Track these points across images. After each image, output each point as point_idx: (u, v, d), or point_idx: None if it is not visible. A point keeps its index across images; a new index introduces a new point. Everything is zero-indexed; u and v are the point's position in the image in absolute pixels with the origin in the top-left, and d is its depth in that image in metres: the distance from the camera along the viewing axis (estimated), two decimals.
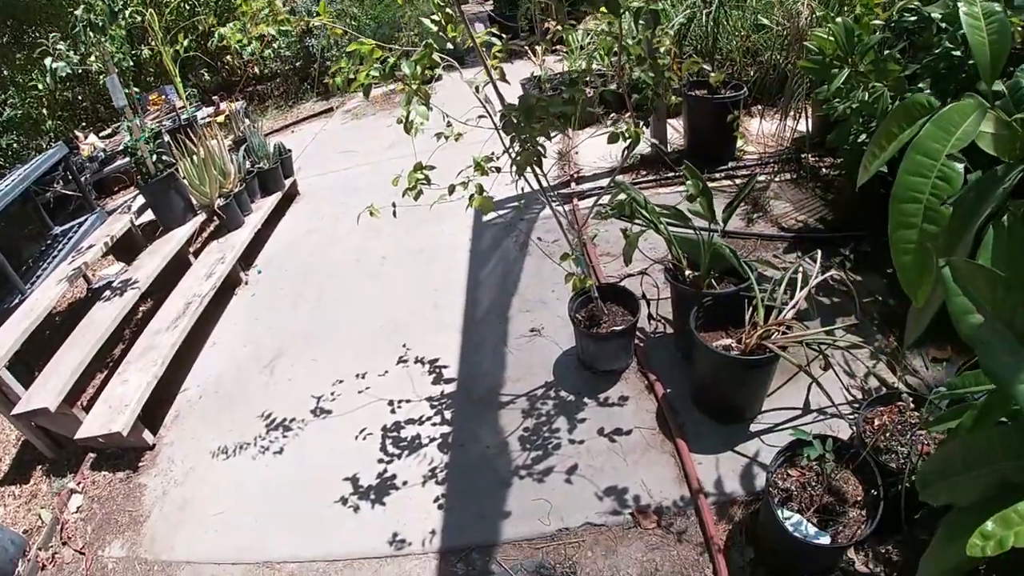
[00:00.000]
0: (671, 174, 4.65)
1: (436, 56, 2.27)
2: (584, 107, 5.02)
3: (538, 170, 2.46)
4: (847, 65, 2.96)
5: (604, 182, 3.80)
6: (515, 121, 2.16)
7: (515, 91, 3.17)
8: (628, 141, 2.39)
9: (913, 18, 3.15)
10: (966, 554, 1.29)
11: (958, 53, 2.79)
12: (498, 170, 2.42)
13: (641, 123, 2.45)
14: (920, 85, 2.94)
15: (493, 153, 2.47)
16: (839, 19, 3.04)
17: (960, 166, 1.13)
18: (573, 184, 4.87)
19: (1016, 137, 1.20)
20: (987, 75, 1.25)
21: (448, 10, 2.21)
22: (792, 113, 4.48)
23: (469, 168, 2.48)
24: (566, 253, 2.57)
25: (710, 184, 4.33)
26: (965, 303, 1.08)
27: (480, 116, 2.46)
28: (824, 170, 4.40)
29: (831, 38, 2.99)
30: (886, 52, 2.99)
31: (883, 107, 2.87)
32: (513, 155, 2.28)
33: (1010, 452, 1.18)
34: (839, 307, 3.24)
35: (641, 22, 2.28)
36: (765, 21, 4.74)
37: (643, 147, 5.00)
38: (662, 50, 2.60)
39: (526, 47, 6.03)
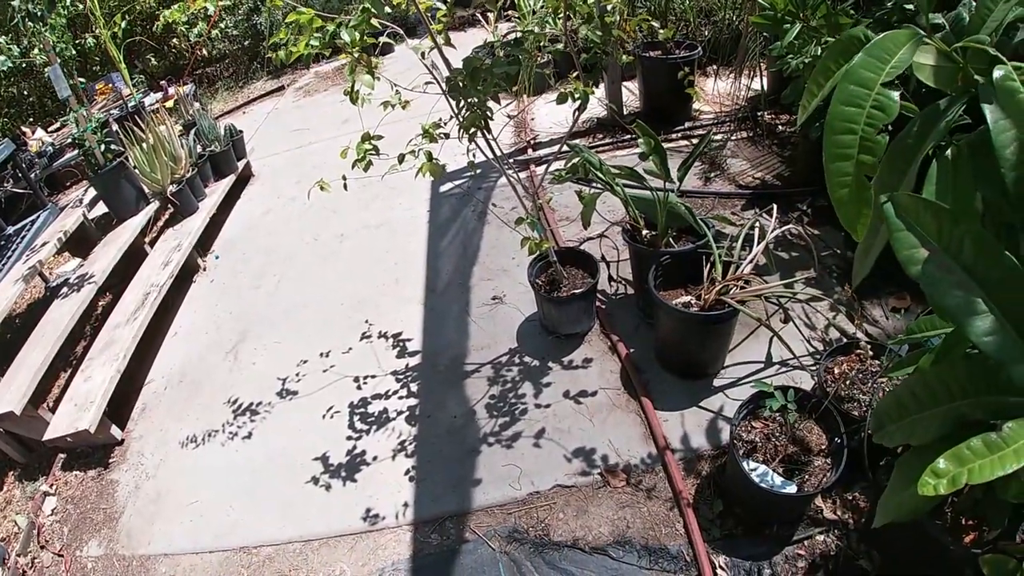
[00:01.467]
0: (627, 136, 4.64)
1: (380, 23, 2.22)
2: (533, 70, 5.03)
3: (488, 135, 2.43)
4: (799, 20, 2.94)
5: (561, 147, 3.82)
6: (461, 85, 2.12)
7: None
8: (578, 101, 2.37)
9: None
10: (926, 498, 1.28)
11: (910, 6, 2.79)
12: (447, 136, 2.39)
13: (592, 84, 2.41)
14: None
15: (441, 119, 2.44)
16: None
17: (896, 94, 1.10)
18: (530, 151, 4.84)
19: (957, 68, 1.18)
20: (923, 5, 1.23)
21: None
22: (747, 72, 4.49)
23: (420, 138, 2.45)
24: (521, 217, 2.55)
25: (667, 145, 4.36)
26: (909, 238, 1.06)
27: (428, 83, 2.42)
28: (780, 127, 4.43)
29: None
30: (838, 6, 2.99)
31: None
32: (461, 119, 2.24)
33: (967, 389, 1.16)
34: (798, 262, 3.27)
35: None
36: None
37: (599, 111, 5.00)
38: (610, 7, 2.56)
39: (478, 15, 5.98)
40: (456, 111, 2.30)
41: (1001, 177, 1.02)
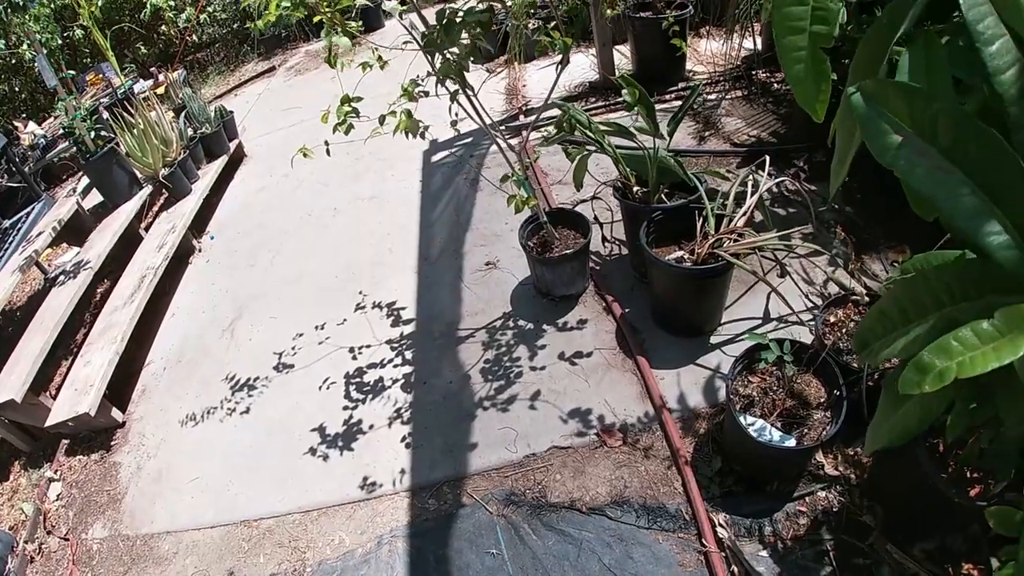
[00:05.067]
0: (620, 100, 4.56)
1: None
2: (522, 36, 4.96)
3: (469, 91, 2.39)
4: None
5: (553, 112, 3.76)
6: (436, 39, 2.07)
7: None
8: (560, 53, 2.32)
9: None
10: (913, 413, 1.20)
11: None
12: (426, 94, 2.35)
13: (573, 35, 2.36)
14: None
15: (419, 76, 2.40)
16: None
17: None
18: (522, 117, 4.79)
19: None
20: None
21: None
22: (739, 31, 4.42)
23: (401, 98, 2.41)
24: (506, 175, 2.51)
25: (661, 106, 4.31)
26: (880, 125, 0.98)
27: (406, 42, 2.37)
28: (776, 85, 4.37)
29: None
30: None
31: None
32: (437, 73, 2.20)
33: (956, 293, 1.06)
34: (795, 218, 3.22)
35: None
36: None
37: (591, 75, 4.95)
38: None
39: None
40: (433, 66, 2.25)
41: (978, 54, 0.95)
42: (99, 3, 6.25)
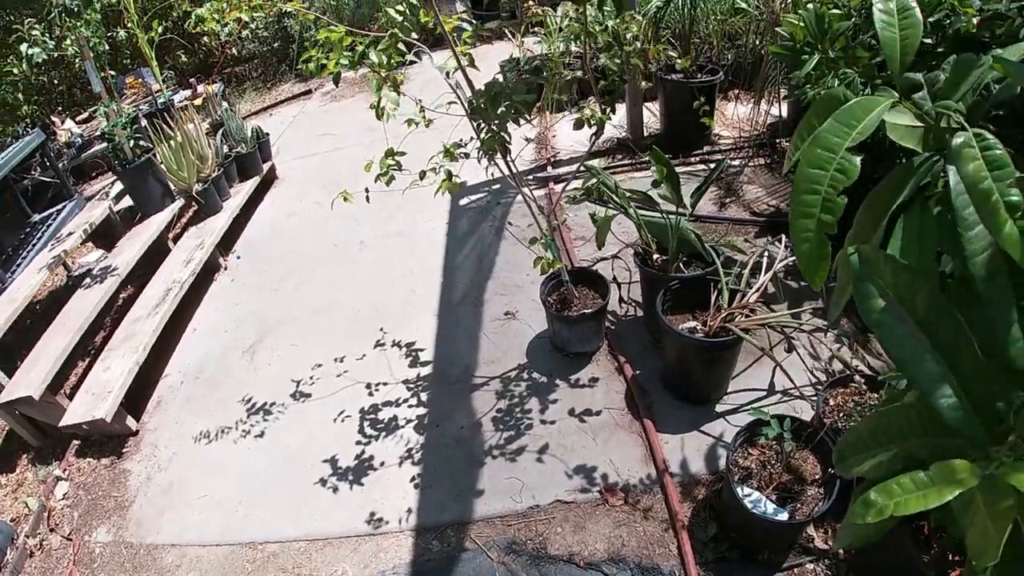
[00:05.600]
0: (646, 158, 4.68)
1: (405, 44, 2.31)
2: (557, 91, 5.10)
3: (508, 157, 2.51)
4: (817, 51, 2.98)
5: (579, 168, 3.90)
6: (482, 107, 2.20)
7: (491, 74, 3.18)
8: (595, 127, 2.44)
9: None
10: (869, 526, 1.35)
11: (929, 40, 2.82)
12: (467, 156, 2.47)
13: (608, 109, 2.49)
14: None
15: (462, 139, 2.52)
16: (809, 5, 3.06)
17: (858, 159, 1.17)
18: (549, 168, 4.89)
19: (930, 129, 1.25)
20: (896, 68, 1.30)
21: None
22: (767, 97, 4.53)
23: (441, 156, 2.53)
24: (535, 237, 2.62)
25: (685, 169, 4.42)
26: (869, 288, 1.14)
27: (451, 102, 2.50)
28: None
29: (802, 24, 3.02)
30: (857, 39, 3.03)
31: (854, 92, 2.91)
32: (481, 140, 2.33)
33: (916, 429, 1.22)
34: (807, 291, 3.28)
35: (607, 8, 2.32)
36: (743, 4, 4.73)
37: (619, 131, 5.06)
38: (629, 36, 2.61)
39: (506, 30, 6.07)
40: (477, 132, 2.38)
41: (958, 237, 1.11)
42: (159, 29, 6.44)
